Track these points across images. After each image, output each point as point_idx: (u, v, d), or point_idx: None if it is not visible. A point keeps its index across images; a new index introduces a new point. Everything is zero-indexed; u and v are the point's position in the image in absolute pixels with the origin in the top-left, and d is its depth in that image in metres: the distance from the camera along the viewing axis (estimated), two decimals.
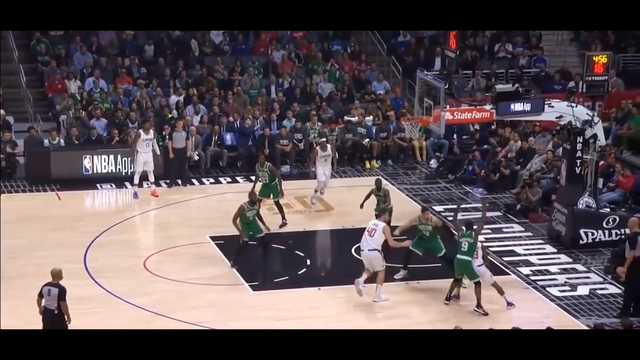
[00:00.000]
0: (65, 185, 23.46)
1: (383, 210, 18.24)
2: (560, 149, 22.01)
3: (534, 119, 21.81)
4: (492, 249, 20.02)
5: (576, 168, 19.98)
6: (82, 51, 28.00)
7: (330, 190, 22.53)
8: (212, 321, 16.33)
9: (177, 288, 17.86)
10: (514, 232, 21.17)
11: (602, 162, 21.68)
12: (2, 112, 25.12)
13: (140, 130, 23.10)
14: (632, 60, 30.33)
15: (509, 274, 18.80)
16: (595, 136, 20.01)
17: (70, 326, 14.48)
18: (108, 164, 24.12)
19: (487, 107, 19.88)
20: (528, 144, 24.28)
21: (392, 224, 18.55)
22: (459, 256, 17.09)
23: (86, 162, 24.09)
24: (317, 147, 22.32)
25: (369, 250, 17.27)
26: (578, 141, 19.84)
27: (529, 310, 17.30)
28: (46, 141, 24.56)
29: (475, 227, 17.21)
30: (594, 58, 20.46)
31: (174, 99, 26.78)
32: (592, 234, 20.01)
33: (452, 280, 17.38)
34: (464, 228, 17.26)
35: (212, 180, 24.58)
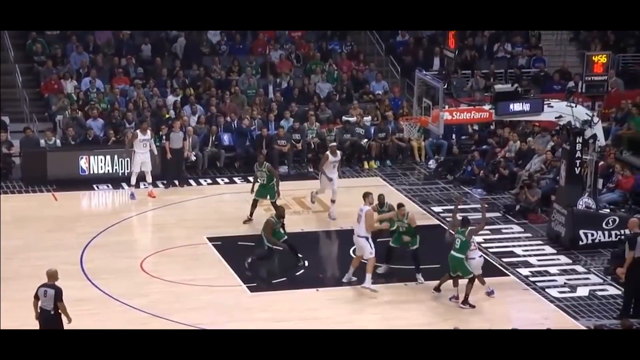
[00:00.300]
0: (61, 185, 23.46)
1: (368, 194, 18.43)
2: (560, 149, 22.03)
3: (533, 119, 21.83)
4: (491, 250, 20.07)
5: (576, 168, 20.00)
6: (79, 51, 28.00)
7: (329, 191, 22.49)
8: (209, 323, 16.33)
9: (174, 289, 17.86)
10: (513, 233, 21.18)
11: (601, 163, 21.70)
12: None
13: (137, 131, 23.11)
14: (631, 60, 30.36)
15: (508, 275, 18.82)
16: (594, 136, 20.03)
17: (67, 327, 14.47)
18: (105, 164, 24.12)
19: (486, 107, 19.90)
20: (527, 144, 24.30)
21: None
22: (452, 253, 17.25)
23: (82, 163, 24.09)
24: (327, 152, 21.71)
25: (358, 236, 17.77)
26: (577, 141, 19.86)
27: (528, 312, 17.32)
28: (42, 141, 24.56)
29: (471, 227, 17.28)
30: (593, 58, 20.48)
31: (171, 99, 26.78)
32: (592, 234, 20.03)
33: (445, 274, 17.50)
34: (459, 227, 17.37)
35: (209, 180, 24.58)
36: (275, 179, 21.02)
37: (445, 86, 19.55)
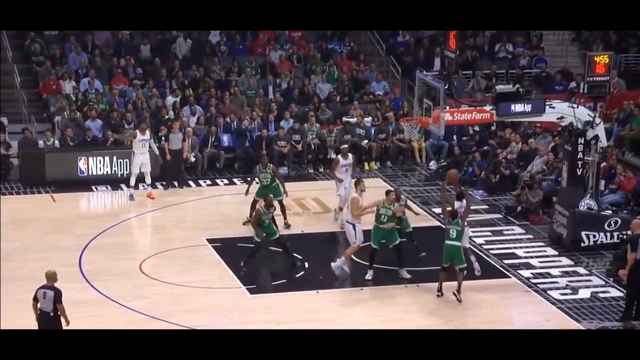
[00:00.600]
0: (60, 187, 23.46)
1: (359, 181, 18.92)
2: (561, 150, 22.02)
3: (535, 120, 21.80)
4: (492, 251, 20.08)
5: (577, 170, 19.99)
6: (77, 51, 27.99)
7: (329, 193, 22.52)
8: (208, 325, 16.32)
9: (174, 291, 17.86)
10: (514, 234, 21.18)
11: (603, 164, 21.70)
12: None
13: (137, 131, 23.10)
14: (634, 61, 30.35)
15: (510, 277, 18.82)
16: (596, 137, 20.02)
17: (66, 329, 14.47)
18: (103, 165, 24.12)
19: (487, 108, 19.89)
20: (529, 145, 24.29)
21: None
22: (448, 242, 17.39)
23: (81, 164, 24.09)
24: (338, 156, 21.44)
25: (346, 221, 18.34)
26: (579, 142, 19.84)
27: (530, 314, 17.32)
28: (41, 142, 24.55)
29: (461, 216, 17.61)
30: (595, 58, 20.48)
31: (170, 99, 26.78)
32: (594, 236, 20.02)
33: (440, 272, 17.60)
34: (449, 217, 17.64)
35: (208, 182, 24.58)
36: (278, 180, 20.94)
37: (446, 87, 19.51)
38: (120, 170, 24.09)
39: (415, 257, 19.10)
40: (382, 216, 18.26)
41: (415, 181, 24.78)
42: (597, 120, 20.07)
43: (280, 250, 18.93)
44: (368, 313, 17.13)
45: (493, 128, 26.18)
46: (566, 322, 16.83)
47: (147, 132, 23.03)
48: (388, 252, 18.65)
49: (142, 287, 18.06)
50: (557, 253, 20.04)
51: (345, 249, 18.99)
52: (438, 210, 22.32)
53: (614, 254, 19.27)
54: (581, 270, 19.24)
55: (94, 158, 24.11)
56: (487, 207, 22.88)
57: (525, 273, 18.98)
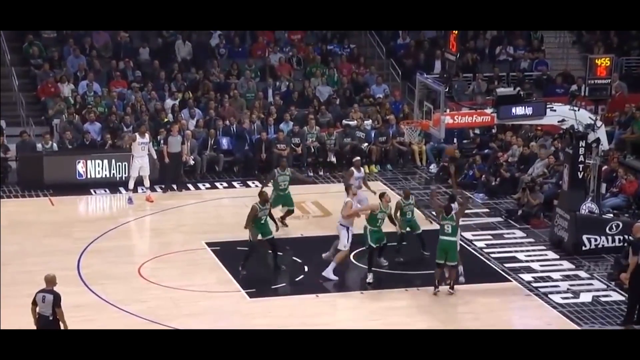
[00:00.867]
0: (58, 190, 23.46)
1: (350, 185, 19.35)
2: (562, 153, 22.04)
3: (536, 122, 21.83)
4: (493, 255, 20.07)
5: (579, 173, 19.99)
6: (76, 54, 28.00)
7: (329, 196, 22.54)
8: (207, 329, 16.30)
9: (173, 295, 17.85)
10: (515, 238, 21.18)
11: (605, 167, 21.69)
12: None
13: (136, 134, 23.11)
14: (635, 64, 30.38)
15: (511, 281, 18.81)
16: (598, 140, 20.03)
17: None
18: (102, 168, 24.12)
19: (488, 111, 19.90)
20: (530, 149, 24.29)
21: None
22: (442, 237, 17.59)
23: (80, 167, 24.09)
24: (352, 168, 21.23)
25: (339, 224, 18.51)
26: (580, 145, 19.85)
27: (531, 318, 17.31)
28: (39, 145, 24.56)
29: (455, 211, 17.84)
30: (596, 61, 20.48)
31: (169, 102, 26.79)
32: (595, 240, 20.02)
33: (437, 270, 17.78)
34: (443, 212, 17.82)
35: (208, 185, 24.59)
36: (299, 180, 20.93)
37: (447, 89, 19.50)
38: (119, 174, 24.09)
39: (422, 256, 19.12)
40: (379, 220, 18.31)
41: (416, 184, 24.78)
42: (599, 123, 20.08)
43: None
44: (368, 317, 17.11)
45: (494, 131, 26.19)
46: (567, 326, 16.82)
47: (147, 135, 23.04)
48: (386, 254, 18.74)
49: (140, 291, 18.06)
50: (558, 257, 20.04)
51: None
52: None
53: (615, 257, 19.27)
54: (582, 274, 19.24)
55: (93, 161, 24.11)
56: (487, 210, 22.88)
57: (526, 277, 18.98)
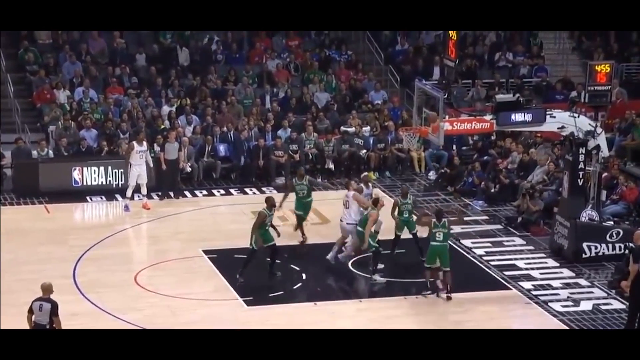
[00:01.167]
0: (54, 197, 23.46)
1: (349, 182, 19.90)
2: (562, 160, 22.05)
3: (535, 129, 21.85)
4: (492, 262, 20.08)
5: (578, 180, 20.01)
6: (72, 60, 28.01)
7: (327, 203, 22.54)
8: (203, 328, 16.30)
9: (169, 303, 17.84)
10: (515, 245, 21.19)
11: (605, 174, 21.72)
12: None
13: (134, 142, 23.12)
14: (635, 70, 30.43)
15: (510, 289, 18.82)
16: (598, 147, 20.06)
17: None
18: (98, 175, 24.13)
19: (487, 117, 19.93)
20: (529, 155, 24.31)
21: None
22: (434, 244, 17.79)
23: (75, 174, 24.10)
24: (361, 184, 20.77)
25: (347, 223, 18.86)
26: (580, 152, 19.87)
27: (531, 326, 17.28)
28: (35, 152, 24.56)
29: (447, 219, 18.22)
30: (596, 67, 20.52)
31: (166, 109, 26.80)
32: (595, 247, 20.03)
33: (427, 273, 18.00)
34: (434, 220, 17.96)
35: (205, 192, 24.59)
36: (316, 188, 20.93)
37: (446, 96, 19.57)
38: (115, 181, 24.10)
39: (418, 259, 19.16)
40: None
41: (415, 191, 24.78)
42: (599, 129, 20.11)
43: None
44: (367, 325, 17.09)
45: (493, 138, 26.21)
46: None
47: (145, 143, 23.05)
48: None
49: (137, 299, 18.05)
50: (558, 264, 20.05)
51: (342, 263, 19.14)
52: None
53: (615, 265, 19.28)
54: (583, 281, 19.24)
55: (89, 168, 24.12)
56: (487, 217, 22.90)
57: (526, 285, 18.98)
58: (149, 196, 23.29)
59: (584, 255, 20.01)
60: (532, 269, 19.83)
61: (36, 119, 26.79)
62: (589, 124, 20.07)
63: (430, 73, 28.89)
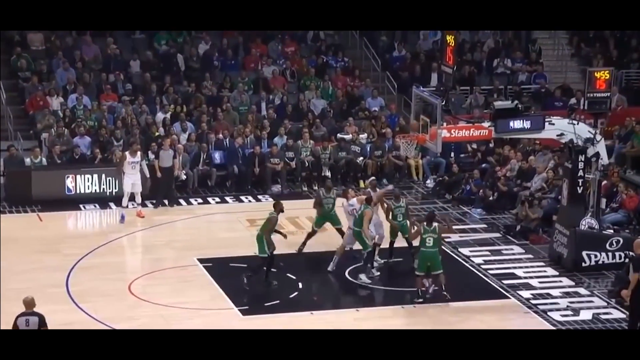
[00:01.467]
0: (46, 206, 23.45)
1: (347, 190, 20.48)
2: (561, 167, 22.09)
3: (534, 136, 21.89)
4: (491, 271, 20.10)
5: (578, 188, 20.04)
6: (65, 67, 28.03)
7: None
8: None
9: (164, 313, 17.84)
10: (513, 254, 21.21)
11: (605, 182, 21.75)
12: None
13: (126, 153, 23.13)
14: (635, 76, 30.49)
15: (509, 298, 18.83)
16: (597, 155, 20.09)
17: None
18: (92, 183, 24.13)
19: (486, 124, 19.96)
20: (528, 163, 24.36)
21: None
22: (424, 250, 17.95)
23: (69, 182, 24.10)
24: (369, 189, 20.82)
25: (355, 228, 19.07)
26: (580, 160, 19.91)
27: None
28: (27, 160, 24.56)
29: (439, 224, 18.37)
30: (595, 74, 20.56)
31: (160, 116, 26.82)
32: (595, 256, 20.06)
33: (417, 280, 18.12)
34: (424, 224, 18.14)
35: (200, 200, 24.60)
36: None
37: (444, 103, 19.57)
38: (109, 189, 24.11)
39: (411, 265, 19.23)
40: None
41: (412, 199, 24.80)
42: (598, 137, 20.15)
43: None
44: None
45: (491, 145, 26.24)
46: None
47: (138, 154, 23.04)
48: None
49: (131, 308, 18.04)
50: (557, 273, 20.07)
51: (339, 269, 19.14)
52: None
53: (615, 274, 19.30)
54: (582, 290, 19.26)
55: (82, 176, 24.12)
56: (485, 226, 22.93)
57: (525, 294, 19.00)
58: (143, 204, 23.29)
59: (583, 264, 20.03)
60: (531, 277, 19.84)
61: (29, 127, 26.78)
62: (589, 131, 20.11)
63: (428, 80, 28.91)
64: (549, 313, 18.09)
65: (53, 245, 21.14)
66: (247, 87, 28.54)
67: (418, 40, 31.07)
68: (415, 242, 18.95)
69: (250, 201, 24.62)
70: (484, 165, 25.57)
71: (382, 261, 19.89)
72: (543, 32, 31.83)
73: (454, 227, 22.52)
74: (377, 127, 27.33)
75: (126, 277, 19.43)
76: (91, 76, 27.99)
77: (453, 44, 20.10)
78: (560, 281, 19.72)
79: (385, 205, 20.08)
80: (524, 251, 21.30)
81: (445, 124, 19.79)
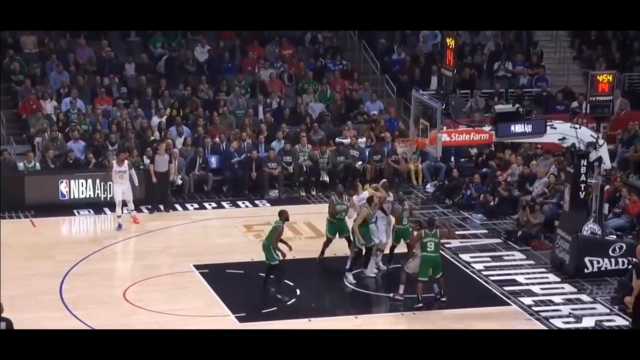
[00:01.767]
0: (40, 211, 23.45)
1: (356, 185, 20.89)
2: (563, 172, 22.11)
3: (536, 140, 21.88)
4: (492, 277, 20.10)
5: (580, 193, 20.04)
6: (59, 70, 28.02)
7: (322, 217, 22.48)
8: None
9: (159, 320, 17.82)
10: (515, 260, 21.20)
11: (607, 187, 21.73)
12: None
13: (114, 162, 23.05)
14: (638, 80, 30.52)
15: (510, 305, 18.83)
16: (600, 159, 20.10)
17: None
18: (86, 188, 24.13)
19: (486, 128, 19.96)
20: (530, 168, 24.36)
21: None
22: (426, 254, 17.98)
23: (62, 187, 24.09)
24: (382, 190, 20.42)
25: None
26: (582, 164, 19.92)
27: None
28: (21, 165, 24.55)
29: (440, 229, 18.75)
30: (598, 77, 20.56)
31: (155, 120, 26.82)
32: (598, 262, 20.06)
33: (420, 285, 18.14)
34: (425, 229, 18.24)
35: (196, 205, 24.59)
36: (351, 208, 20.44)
37: (444, 106, 19.56)
38: (104, 194, 24.10)
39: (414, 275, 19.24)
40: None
41: (412, 204, 24.78)
42: (601, 141, 20.16)
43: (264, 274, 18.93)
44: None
45: (492, 149, 26.24)
46: None
47: (125, 162, 22.90)
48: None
49: (126, 315, 18.03)
50: (559, 279, 20.07)
51: (337, 275, 19.12)
52: None
53: (618, 280, 19.30)
54: (585, 297, 19.26)
55: (76, 181, 24.13)
56: (486, 231, 22.93)
57: (527, 300, 18.99)
58: (138, 210, 23.27)
59: (586, 270, 20.03)
60: (533, 284, 19.84)
61: (22, 131, 26.78)
62: (591, 135, 20.11)
63: (427, 83, 28.96)
64: (551, 320, 18.09)
65: (47, 251, 21.13)
66: (244, 90, 28.55)
67: (417, 43, 31.08)
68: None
69: (247, 206, 24.61)
70: (484, 169, 25.57)
71: (384, 267, 19.92)
72: (545, 35, 31.88)
73: (455, 232, 22.55)
74: (375, 131, 27.33)
75: (121, 284, 19.42)
76: (85, 79, 27.99)
77: (453, 47, 20.09)
78: (563, 288, 19.72)
79: (395, 212, 19.99)
80: (525, 257, 21.30)
81: (445, 127, 19.78)
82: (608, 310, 18.57)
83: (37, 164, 24.72)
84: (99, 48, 28.89)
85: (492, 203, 23.91)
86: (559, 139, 20.09)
